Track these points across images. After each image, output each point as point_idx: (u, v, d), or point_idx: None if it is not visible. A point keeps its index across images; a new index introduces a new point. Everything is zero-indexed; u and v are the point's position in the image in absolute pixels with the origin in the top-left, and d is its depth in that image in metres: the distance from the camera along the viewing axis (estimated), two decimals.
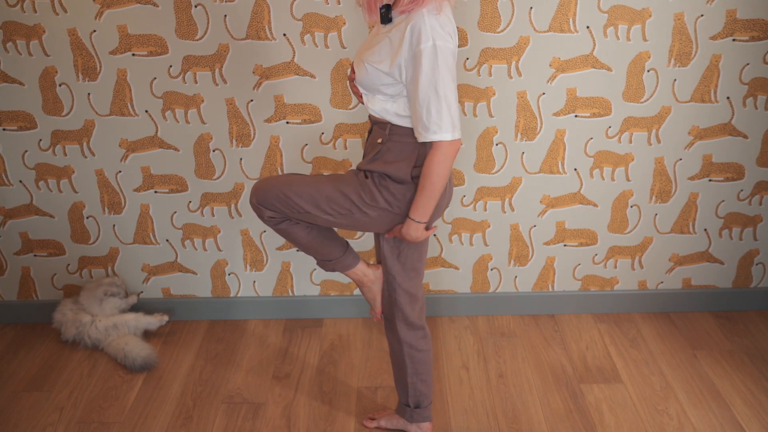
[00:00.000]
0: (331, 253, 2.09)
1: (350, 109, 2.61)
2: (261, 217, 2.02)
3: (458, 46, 2.52)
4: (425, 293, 2.89)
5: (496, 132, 2.66)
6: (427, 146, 1.85)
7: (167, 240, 2.83)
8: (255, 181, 2.72)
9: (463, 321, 2.92)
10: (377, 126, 1.95)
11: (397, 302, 2.11)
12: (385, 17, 1.83)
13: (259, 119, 2.64)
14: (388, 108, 1.88)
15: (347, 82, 2.02)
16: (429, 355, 2.18)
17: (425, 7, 1.75)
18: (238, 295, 2.94)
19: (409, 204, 1.93)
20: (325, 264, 2.12)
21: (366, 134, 2.05)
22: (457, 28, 2.49)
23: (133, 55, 2.54)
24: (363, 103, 1.97)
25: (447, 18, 1.79)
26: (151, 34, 2.51)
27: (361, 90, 1.92)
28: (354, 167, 2.43)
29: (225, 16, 2.48)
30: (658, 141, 2.69)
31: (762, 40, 2.55)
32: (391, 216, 1.95)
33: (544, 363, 2.66)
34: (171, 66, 2.55)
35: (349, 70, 2.06)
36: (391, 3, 1.84)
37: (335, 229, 2.21)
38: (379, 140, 1.93)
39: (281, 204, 1.97)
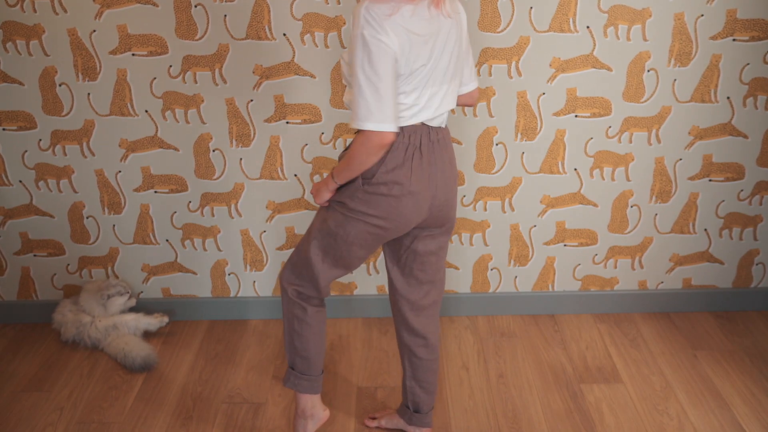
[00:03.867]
0: (318, 368, 2.16)
1: (350, 109, 2.61)
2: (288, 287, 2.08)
3: None
4: None
5: (496, 132, 2.66)
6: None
7: (167, 240, 2.83)
8: (255, 180, 2.72)
9: (463, 321, 2.92)
10: None
11: (396, 305, 2.11)
12: None
13: (259, 119, 2.64)
14: None
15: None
16: (429, 365, 2.16)
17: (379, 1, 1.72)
18: (238, 295, 2.94)
19: (361, 201, 1.89)
20: (300, 379, 2.16)
21: None
22: None
23: (133, 55, 2.54)
24: None
25: (402, 12, 1.73)
26: (151, 34, 2.51)
27: (345, 82, 1.93)
28: None
29: (225, 16, 2.48)
30: (658, 141, 2.69)
31: (762, 40, 2.55)
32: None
33: (544, 363, 2.66)
34: (171, 66, 2.55)
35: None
36: None
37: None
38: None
39: (300, 249, 2.02)
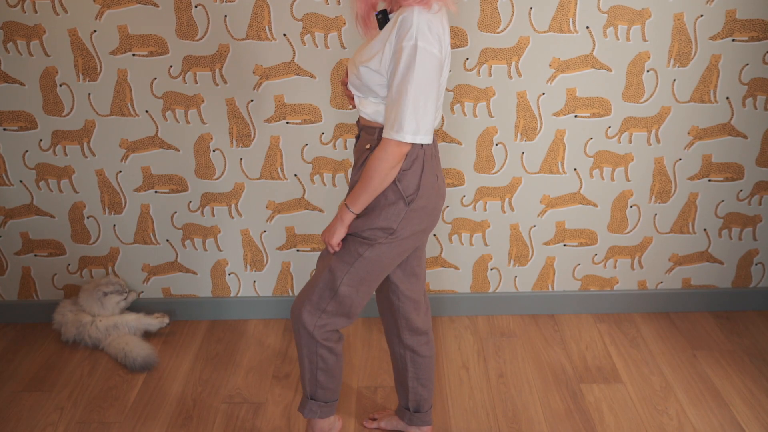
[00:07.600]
0: (336, 393, 2.11)
1: (350, 109, 2.61)
2: (308, 326, 1.95)
3: (458, 47, 2.53)
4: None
5: (496, 132, 2.66)
6: (414, 148, 1.82)
7: (167, 240, 2.83)
8: (255, 180, 2.73)
9: (463, 321, 2.92)
10: (365, 131, 1.89)
11: (400, 309, 2.10)
12: (383, 22, 1.78)
13: (259, 119, 2.64)
14: (381, 110, 1.82)
15: (341, 87, 2.00)
16: (431, 361, 2.17)
17: (428, 6, 1.69)
18: (238, 295, 2.94)
19: (408, 221, 1.86)
20: (322, 407, 2.10)
21: (354, 140, 1.99)
22: (457, 28, 2.50)
23: (134, 55, 2.54)
24: (355, 107, 1.92)
25: (440, 23, 1.73)
26: (152, 35, 2.51)
27: (354, 92, 1.87)
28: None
29: (225, 16, 2.49)
30: (658, 141, 2.69)
31: (761, 40, 2.55)
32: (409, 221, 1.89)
33: (544, 363, 2.67)
34: (171, 66, 2.56)
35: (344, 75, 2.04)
36: (387, 9, 1.80)
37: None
38: (368, 146, 1.87)
39: (325, 287, 1.91)
